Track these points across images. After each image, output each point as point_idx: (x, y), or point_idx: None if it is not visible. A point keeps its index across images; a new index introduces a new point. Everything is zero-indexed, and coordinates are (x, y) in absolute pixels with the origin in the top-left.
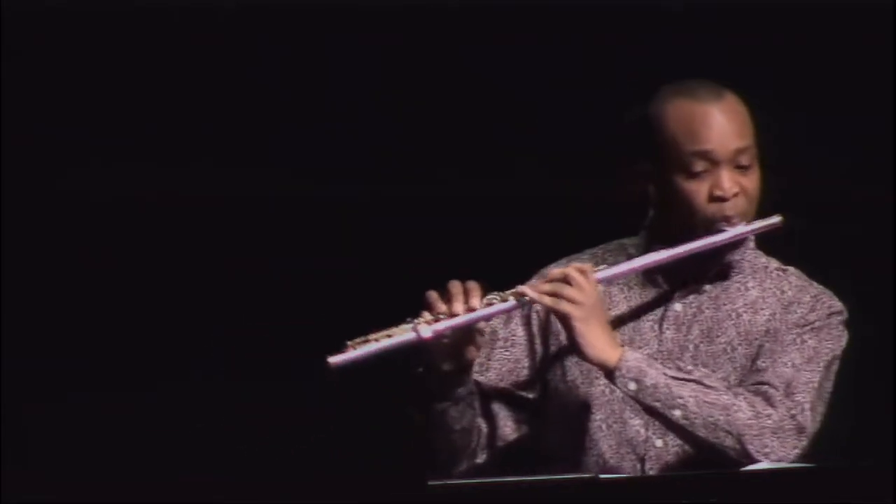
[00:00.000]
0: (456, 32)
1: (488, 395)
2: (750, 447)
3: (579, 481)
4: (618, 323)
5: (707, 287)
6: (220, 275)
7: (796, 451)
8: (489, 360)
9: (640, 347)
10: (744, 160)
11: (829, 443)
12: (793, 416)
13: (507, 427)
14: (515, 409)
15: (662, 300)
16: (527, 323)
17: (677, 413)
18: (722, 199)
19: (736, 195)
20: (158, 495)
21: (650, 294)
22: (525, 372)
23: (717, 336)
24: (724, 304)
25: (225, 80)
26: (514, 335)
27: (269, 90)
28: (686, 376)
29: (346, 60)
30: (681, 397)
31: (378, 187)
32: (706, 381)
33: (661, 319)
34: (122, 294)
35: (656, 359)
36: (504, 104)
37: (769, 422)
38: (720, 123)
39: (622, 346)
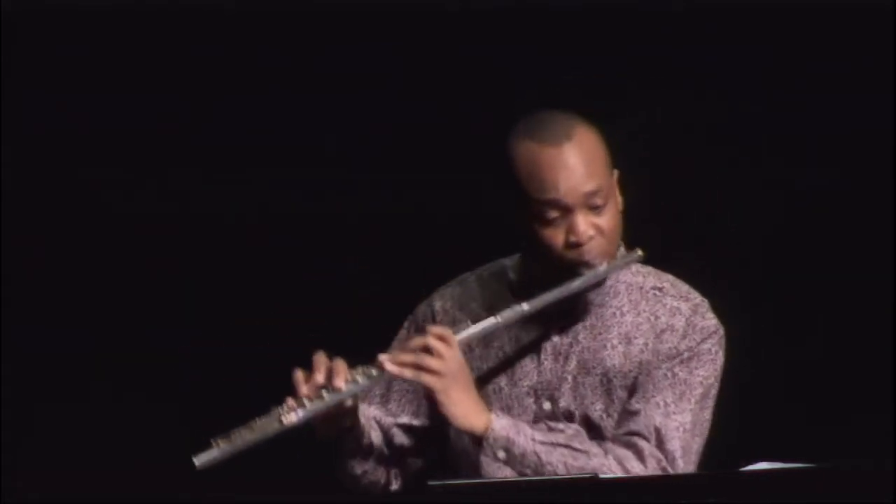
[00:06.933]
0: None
1: (390, 428)
2: None
3: (579, 481)
4: (500, 354)
5: (583, 315)
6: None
7: None
8: (389, 391)
9: (520, 379)
10: (597, 200)
11: (829, 443)
12: (664, 469)
13: (414, 456)
14: (419, 439)
15: (541, 330)
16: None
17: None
18: (578, 245)
19: (592, 238)
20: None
21: (530, 324)
22: (424, 400)
23: (593, 368)
24: (600, 334)
25: (229, 81)
26: None
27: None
28: (555, 440)
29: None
30: (550, 464)
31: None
32: (575, 445)
33: (540, 350)
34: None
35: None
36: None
37: None
38: (568, 169)
39: (489, 411)
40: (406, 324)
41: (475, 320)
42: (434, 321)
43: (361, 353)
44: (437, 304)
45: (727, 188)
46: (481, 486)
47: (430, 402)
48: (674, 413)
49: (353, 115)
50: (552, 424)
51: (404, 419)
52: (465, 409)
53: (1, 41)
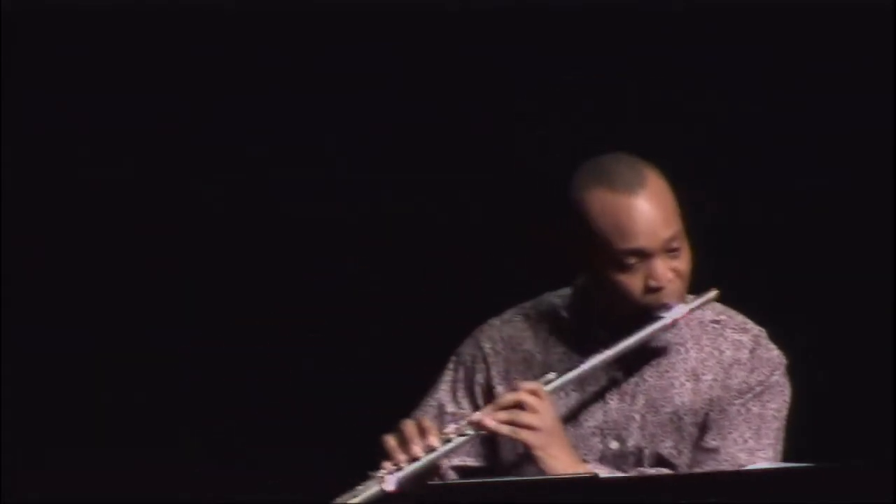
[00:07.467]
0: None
1: (446, 472)
2: None
3: (579, 481)
4: (561, 394)
5: (647, 353)
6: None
7: None
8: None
9: (585, 420)
10: (675, 244)
11: (829, 443)
12: None
13: None
14: (469, 479)
15: (606, 369)
16: (471, 394)
17: None
18: (658, 290)
19: (671, 281)
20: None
21: None
22: (476, 441)
23: (662, 406)
24: (667, 372)
25: (229, 81)
26: (461, 409)
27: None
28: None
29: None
30: None
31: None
32: None
33: (606, 389)
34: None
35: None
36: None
37: None
38: (647, 216)
39: (585, 462)
40: (451, 365)
41: (528, 361)
42: (485, 363)
43: (361, 353)
44: (487, 346)
45: (727, 188)
46: (481, 486)
47: (529, 454)
48: (757, 450)
49: (353, 115)
50: (643, 470)
51: (457, 461)
52: (565, 463)
53: (1, 41)
